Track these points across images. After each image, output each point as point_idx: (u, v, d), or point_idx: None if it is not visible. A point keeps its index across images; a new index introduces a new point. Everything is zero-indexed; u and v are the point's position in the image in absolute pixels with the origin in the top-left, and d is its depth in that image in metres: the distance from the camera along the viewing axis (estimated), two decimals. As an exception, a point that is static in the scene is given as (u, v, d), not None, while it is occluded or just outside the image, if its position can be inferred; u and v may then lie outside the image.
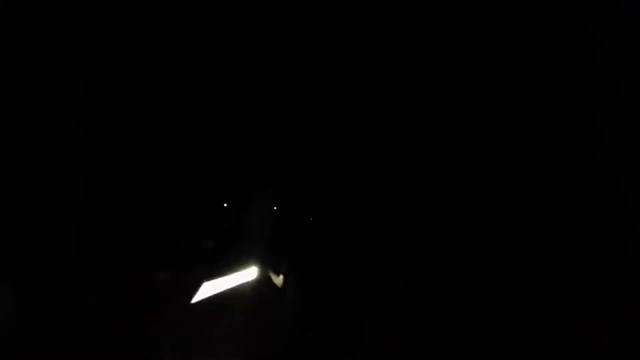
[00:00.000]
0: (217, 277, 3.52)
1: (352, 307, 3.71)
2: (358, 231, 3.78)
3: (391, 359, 3.50)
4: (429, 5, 3.10)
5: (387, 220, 3.59)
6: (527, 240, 3.15)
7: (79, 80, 3.01)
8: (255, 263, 3.72)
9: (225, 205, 3.81)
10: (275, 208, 3.90)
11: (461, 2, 3.08)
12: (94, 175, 3.17)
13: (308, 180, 3.76)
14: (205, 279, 3.46)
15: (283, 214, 3.98)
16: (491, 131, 3.21)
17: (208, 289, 3.43)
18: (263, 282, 3.68)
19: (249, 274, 3.63)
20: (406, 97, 3.35)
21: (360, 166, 3.60)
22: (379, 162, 3.53)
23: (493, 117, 3.21)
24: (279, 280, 3.84)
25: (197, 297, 3.40)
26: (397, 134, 3.44)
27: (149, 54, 3.17)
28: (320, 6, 3.14)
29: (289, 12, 3.16)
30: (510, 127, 3.17)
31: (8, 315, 3.05)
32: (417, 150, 3.42)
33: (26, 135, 2.90)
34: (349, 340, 3.61)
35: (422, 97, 3.35)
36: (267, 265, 3.74)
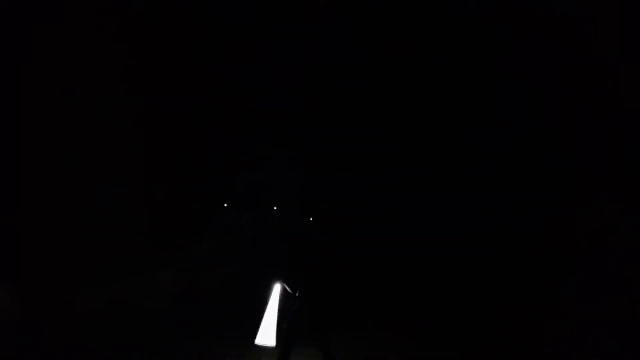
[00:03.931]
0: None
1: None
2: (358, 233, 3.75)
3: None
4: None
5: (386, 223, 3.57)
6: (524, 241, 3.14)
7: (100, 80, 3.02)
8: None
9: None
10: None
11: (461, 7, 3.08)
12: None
13: (308, 180, 3.75)
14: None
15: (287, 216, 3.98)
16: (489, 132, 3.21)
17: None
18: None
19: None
20: (406, 98, 3.35)
21: (360, 167, 3.59)
22: (379, 164, 3.52)
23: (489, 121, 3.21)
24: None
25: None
26: (397, 135, 3.44)
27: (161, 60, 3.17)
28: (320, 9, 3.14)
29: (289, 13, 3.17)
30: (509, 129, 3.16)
31: (8, 314, 3.07)
32: (417, 151, 3.42)
33: (27, 135, 2.92)
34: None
35: (421, 98, 3.35)
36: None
